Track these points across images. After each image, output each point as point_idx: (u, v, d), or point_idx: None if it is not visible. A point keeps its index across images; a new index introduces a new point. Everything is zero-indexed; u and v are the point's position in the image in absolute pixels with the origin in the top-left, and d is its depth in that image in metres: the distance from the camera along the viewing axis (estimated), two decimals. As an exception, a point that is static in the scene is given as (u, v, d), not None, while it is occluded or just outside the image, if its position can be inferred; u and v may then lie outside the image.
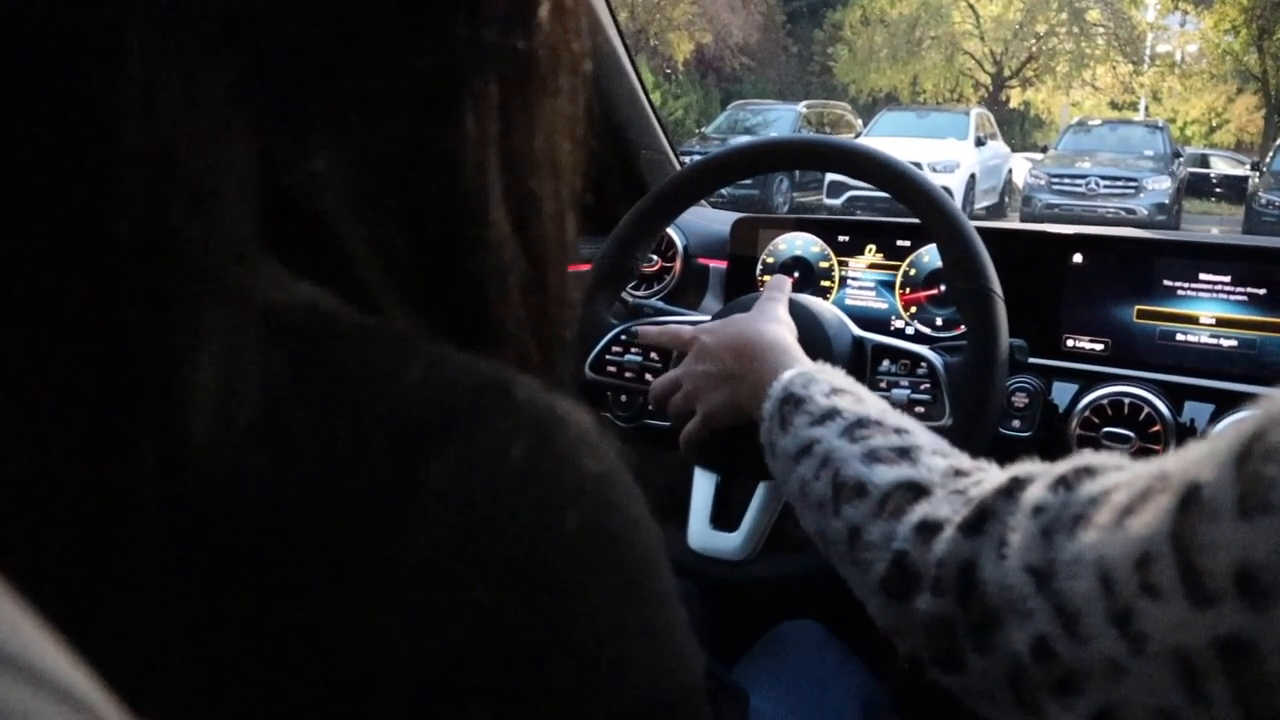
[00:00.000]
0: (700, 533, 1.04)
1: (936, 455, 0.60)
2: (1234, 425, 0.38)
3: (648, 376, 1.12)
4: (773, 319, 0.91)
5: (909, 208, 1.01)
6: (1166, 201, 11.94)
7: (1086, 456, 0.50)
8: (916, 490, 0.56)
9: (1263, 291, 1.09)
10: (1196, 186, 15.46)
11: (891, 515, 0.56)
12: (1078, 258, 1.17)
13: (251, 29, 0.29)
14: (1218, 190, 16.11)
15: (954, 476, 0.56)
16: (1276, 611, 0.34)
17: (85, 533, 0.25)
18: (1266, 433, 0.35)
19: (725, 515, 1.04)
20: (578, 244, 0.41)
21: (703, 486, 1.06)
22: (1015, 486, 0.50)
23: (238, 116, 0.29)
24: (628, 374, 1.13)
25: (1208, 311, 1.11)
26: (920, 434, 0.64)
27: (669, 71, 22.01)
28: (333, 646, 0.26)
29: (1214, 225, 13.79)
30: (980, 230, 1.17)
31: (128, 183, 0.26)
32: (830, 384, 0.72)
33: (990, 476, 0.54)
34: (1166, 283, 1.13)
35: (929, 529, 0.53)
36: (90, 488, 0.25)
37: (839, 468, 0.62)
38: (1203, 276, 1.11)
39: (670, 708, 0.30)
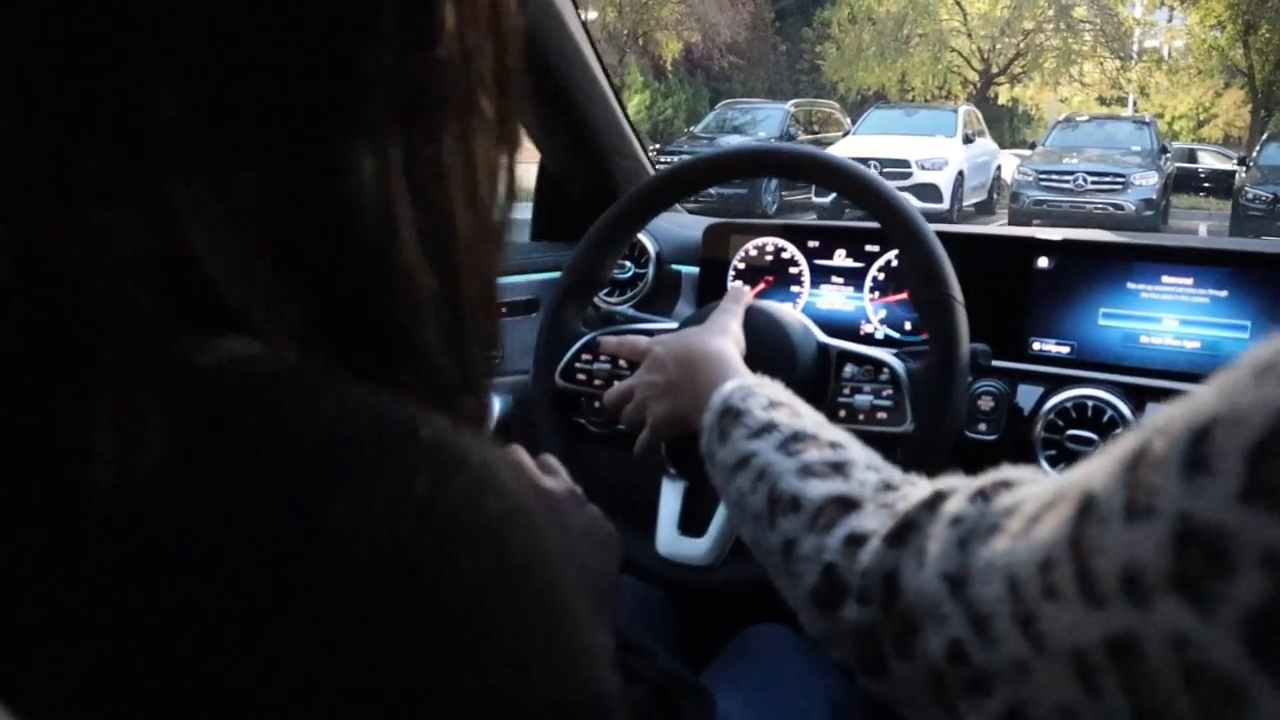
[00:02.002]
0: (668, 539, 1.04)
1: (869, 470, 0.61)
2: (1127, 436, 0.39)
3: (617, 384, 1.13)
4: (720, 331, 0.94)
5: (870, 214, 1.02)
6: (1154, 197, 11.98)
7: (1005, 470, 0.51)
8: (847, 504, 0.58)
9: (1224, 294, 1.10)
10: (1184, 181, 15.54)
11: (823, 529, 0.57)
12: (1043, 261, 1.18)
13: (120, 91, 0.29)
14: (1205, 185, 16.19)
15: (884, 490, 0.58)
16: (1156, 610, 0.35)
17: None
18: (1151, 443, 0.36)
19: (693, 521, 1.05)
20: (501, 259, 0.40)
21: (670, 493, 1.06)
22: (937, 499, 0.52)
23: (119, 195, 0.29)
24: (597, 381, 1.14)
25: (1171, 314, 1.12)
26: (854, 448, 0.65)
27: (658, 71, 22.01)
28: (234, 683, 0.26)
29: (1201, 220, 13.84)
30: (945, 235, 1.18)
31: (8, 268, 0.27)
32: (768, 397, 0.74)
33: (917, 490, 0.55)
34: (1130, 286, 1.14)
35: (856, 541, 0.54)
36: None
37: (775, 482, 0.63)
38: (1165, 279, 1.12)
39: None
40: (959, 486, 0.51)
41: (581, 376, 1.15)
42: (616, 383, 1.11)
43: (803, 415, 0.71)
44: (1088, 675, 0.38)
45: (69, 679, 0.26)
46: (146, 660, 0.26)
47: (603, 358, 1.14)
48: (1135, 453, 0.37)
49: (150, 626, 0.26)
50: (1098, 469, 0.40)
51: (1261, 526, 0.32)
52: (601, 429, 1.26)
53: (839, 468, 0.61)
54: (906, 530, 0.51)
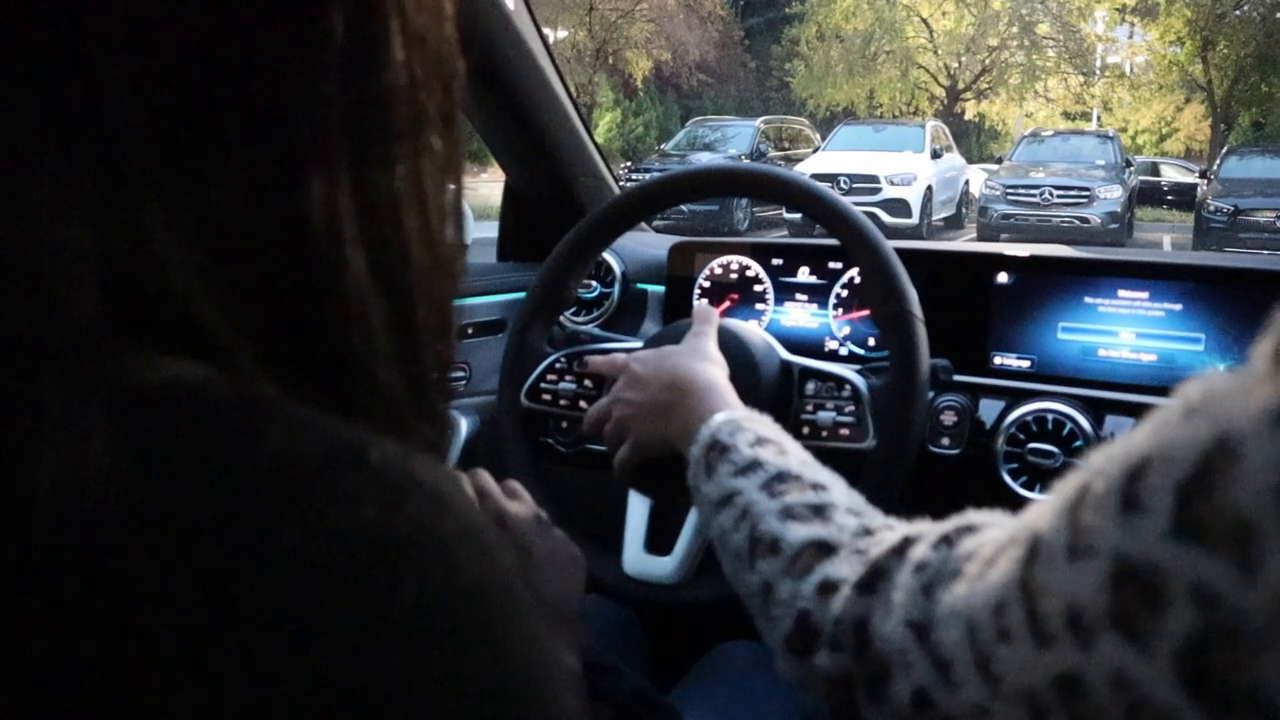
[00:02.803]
0: (635, 558, 1.05)
1: (849, 514, 0.62)
2: (1071, 476, 0.40)
3: (582, 404, 1.13)
4: (705, 356, 0.93)
5: (830, 232, 1.03)
6: (1119, 210, 12.14)
7: (969, 515, 0.52)
8: (824, 549, 0.58)
9: (1179, 307, 1.12)
10: (1148, 194, 15.75)
11: (799, 574, 0.58)
12: (1002, 277, 1.20)
13: (73, 108, 0.30)
14: (1169, 198, 16.43)
15: (861, 536, 0.58)
16: (1098, 648, 0.35)
17: None
18: (1092, 484, 0.37)
19: (659, 540, 1.05)
20: (456, 286, 0.40)
21: (637, 511, 1.07)
22: (905, 545, 0.53)
23: (71, 207, 0.29)
24: (562, 401, 1.14)
25: (1127, 328, 1.14)
26: (836, 490, 0.66)
27: (629, 89, 22.11)
28: (181, 707, 0.26)
29: (1166, 232, 14.04)
30: (906, 251, 1.19)
31: None
32: (756, 433, 0.74)
33: (889, 536, 0.56)
34: (1088, 300, 1.16)
35: (829, 588, 0.55)
36: None
37: (756, 522, 0.63)
38: (1122, 293, 1.14)
39: None
40: (926, 532, 0.52)
41: (547, 396, 1.15)
42: (584, 403, 1.11)
43: (789, 453, 0.71)
44: (1040, 715, 0.39)
45: (17, 692, 0.26)
46: (93, 680, 0.26)
47: (568, 378, 1.14)
48: (1077, 493, 0.38)
49: (97, 647, 0.26)
50: (1045, 510, 0.40)
51: (1191, 562, 0.32)
52: (568, 448, 1.26)
53: (820, 511, 0.62)
54: (876, 578, 0.52)
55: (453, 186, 0.39)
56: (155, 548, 0.27)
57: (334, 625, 0.27)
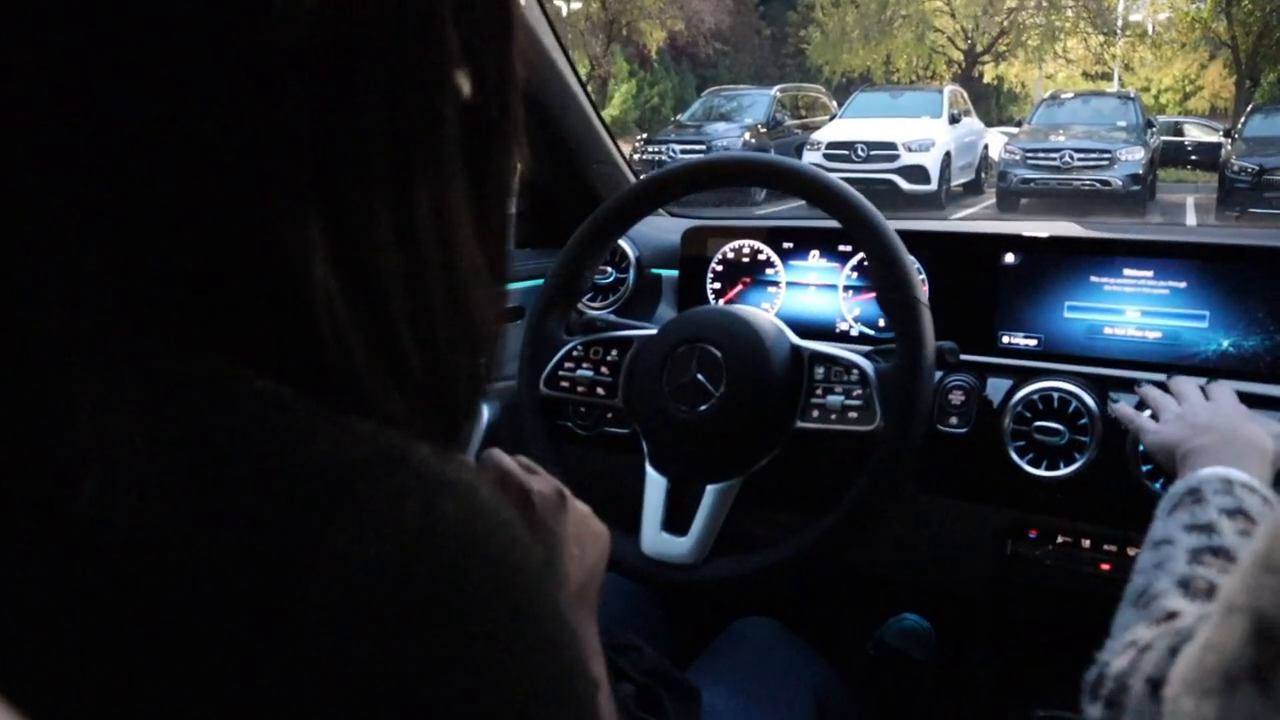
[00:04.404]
0: (652, 538, 1.08)
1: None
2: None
3: (599, 390, 1.16)
4: (1271, 433, 0.89)
5: (838, 220, 1.05)
6: (1140, 172, 11.99)
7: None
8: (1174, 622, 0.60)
9: (1183, 285, 1.13)
10: (1171, 155, 15.53)
11: (1140, 650, 0.59)
12: (1009, 257, 1.22)
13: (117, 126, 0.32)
14: (1193, 158, 16.19)
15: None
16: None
17: None
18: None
19: (676, 520, 1.09)
20: (494, 301, 0.43)
21: (655, 492, 1.10)
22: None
23: (110, 219, 0.32)
24: (580, 388, 1.18)
25: (1133, 306, 1.16)
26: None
27: (643, 60, 21.98)
28: (233, 697, 0.29)
29: (1189, 193, 13.85)
30: (915, 234, 1.22)
31: None
32: (1239, 505, 0.73)
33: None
34: (1093, 279, 1.18)
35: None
36: None
37: (1153, 580, 0.66)
38: (1127, 272, 1.16)
39: None
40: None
41: (565, 383, 1.18)
42: (601, 390, 1.14)
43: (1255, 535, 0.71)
44: None
45: (74, 688, 0.28)
46: (147, 673, 0.28)
47: (585, 365, 1.18)
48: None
49: (149, 639, 0.28)
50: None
51: None
52: (588, 431, 1.30)
53: (1211, 593, 0.62)
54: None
55: (501, 201, 0.43)
56: (199, 548, 0.29)
57: (379, 613, 0.30)
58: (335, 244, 0.36)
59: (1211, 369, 1.11)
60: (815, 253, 1.33)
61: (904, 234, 1.05)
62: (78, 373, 0.31)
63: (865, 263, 1.28)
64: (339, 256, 0.36)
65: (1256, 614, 0.36)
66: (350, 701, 0.29)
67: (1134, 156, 12.15)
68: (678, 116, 16.84)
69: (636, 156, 12.98)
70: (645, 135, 14.76)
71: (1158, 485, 1.03)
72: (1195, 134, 17.30)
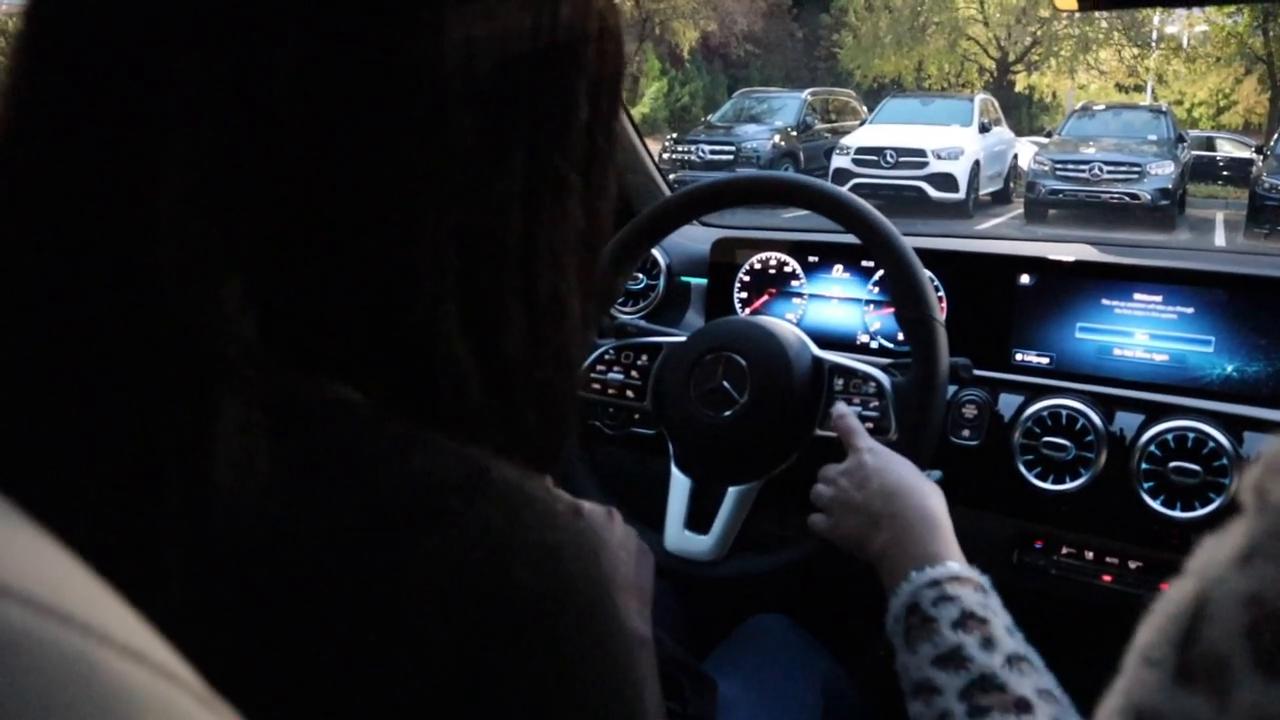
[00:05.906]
0: (675, 535, 1.14)
1: None
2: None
3: (629, 393, 1.22)
4: (934, 490, 0.92)
5: (860, 238, 1.11)
6: (1170, 186, 11.93)
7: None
8: None
9: (1190, 310, 1.18)
10: (1202, 169, 15.41)
11: None
12: (1025, 278, 1.27)
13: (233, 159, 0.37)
14: (1224, 173, 16.06)
15: None
16: None
17: (121, 560, 0.29)
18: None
19: (699, 519, 1.14)
20: (584, 343, 0.48)
21: (678, 492, 1.16)
22: None
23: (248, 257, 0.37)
24: (610, 390, 1.24)
25: (1141, 329, 1.21)
26: (1040, 714, 0.65)
27: (675, 59, 22.00)
28: (340, 674, 0.33)
29: (1219, 209, 13.75)
30: (934, 252, 1.27)
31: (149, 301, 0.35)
32: (961, 608, 0.73)
33: None
34: (1105, 301, 1.23)
35: None
36: (124, 527, 0.32)
37: None
38: (1137, 296, 1.21)
39: None
40: None
41: (596, 386, 1.25)
42: (630, 393, 1.20)
43: (995, 641, 0.70)
44: None
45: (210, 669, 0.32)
46: (268, 655, 0.32)
47: (615, 368, 1.24)
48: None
49: (271, 629, 0.32)
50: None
51: (1182, 705, 0.34)
52: (616, 431, 1.36)
53: None
54: None
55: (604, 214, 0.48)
56: (314, 549, 0.33)
57: (468, 614, 0.34)
58: (467, 305, 0.40)
59: (1216, 392, 1.16)
60: (839, 267, 1.38)
61: (924, 252, 1.11)
62: (220, 396, 0.35)
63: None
64: (470, 320, 0.40)
65: (1134, 711, 0.36)
66: (440, 681, 0.33)
67: (1164, 171, 12.09)
68: (708, 117, 16.88)
69: (665, 155, 13.02)
70: (674, 135, 14.81)
71: (1158, 502, 1.08)
72: (1228, 149, 17.15)
